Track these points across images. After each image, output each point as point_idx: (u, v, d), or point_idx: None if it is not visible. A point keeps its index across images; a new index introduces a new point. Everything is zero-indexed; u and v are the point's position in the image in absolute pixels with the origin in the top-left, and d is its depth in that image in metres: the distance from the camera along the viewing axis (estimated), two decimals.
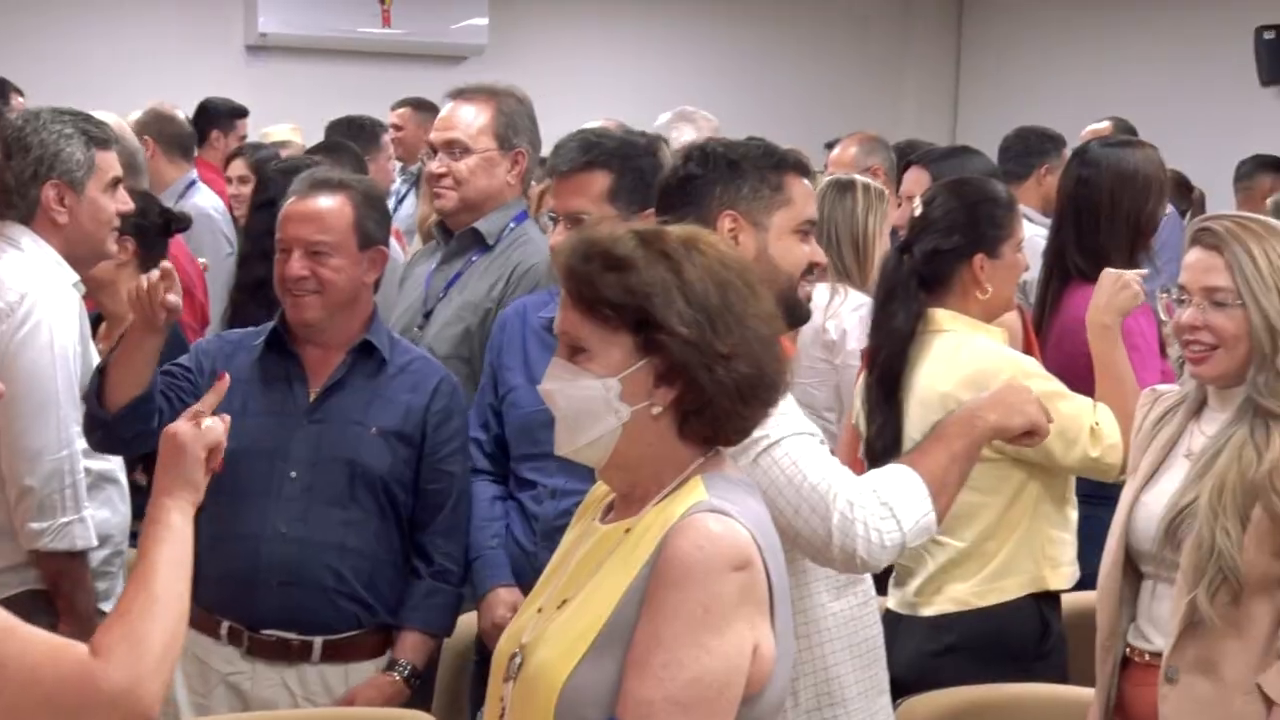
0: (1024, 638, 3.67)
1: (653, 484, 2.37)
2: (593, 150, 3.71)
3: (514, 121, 4.38)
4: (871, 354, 3.80)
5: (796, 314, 2.95)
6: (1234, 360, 3.10)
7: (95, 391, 3.43)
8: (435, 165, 4.37)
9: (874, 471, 2.84)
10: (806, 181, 3.02)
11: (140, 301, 3.30)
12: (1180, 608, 3.06)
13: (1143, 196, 4.40)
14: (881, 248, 4.97)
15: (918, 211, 3.81)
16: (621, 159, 3.70)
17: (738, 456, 2.57)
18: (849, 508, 2.71)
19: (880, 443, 3.69)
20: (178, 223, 4.68)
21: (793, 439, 2.74)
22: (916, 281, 3.73)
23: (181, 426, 2.38)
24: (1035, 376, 3.60)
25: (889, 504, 2.74)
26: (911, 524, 2.76)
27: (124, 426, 3.42)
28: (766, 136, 3.14)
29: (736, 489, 2.36)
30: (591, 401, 2.34)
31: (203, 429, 2.38)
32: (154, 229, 4.55)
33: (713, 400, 2.33)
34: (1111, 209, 4.37)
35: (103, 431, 3.47)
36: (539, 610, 2.41)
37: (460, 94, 4.44)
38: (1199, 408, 3.24)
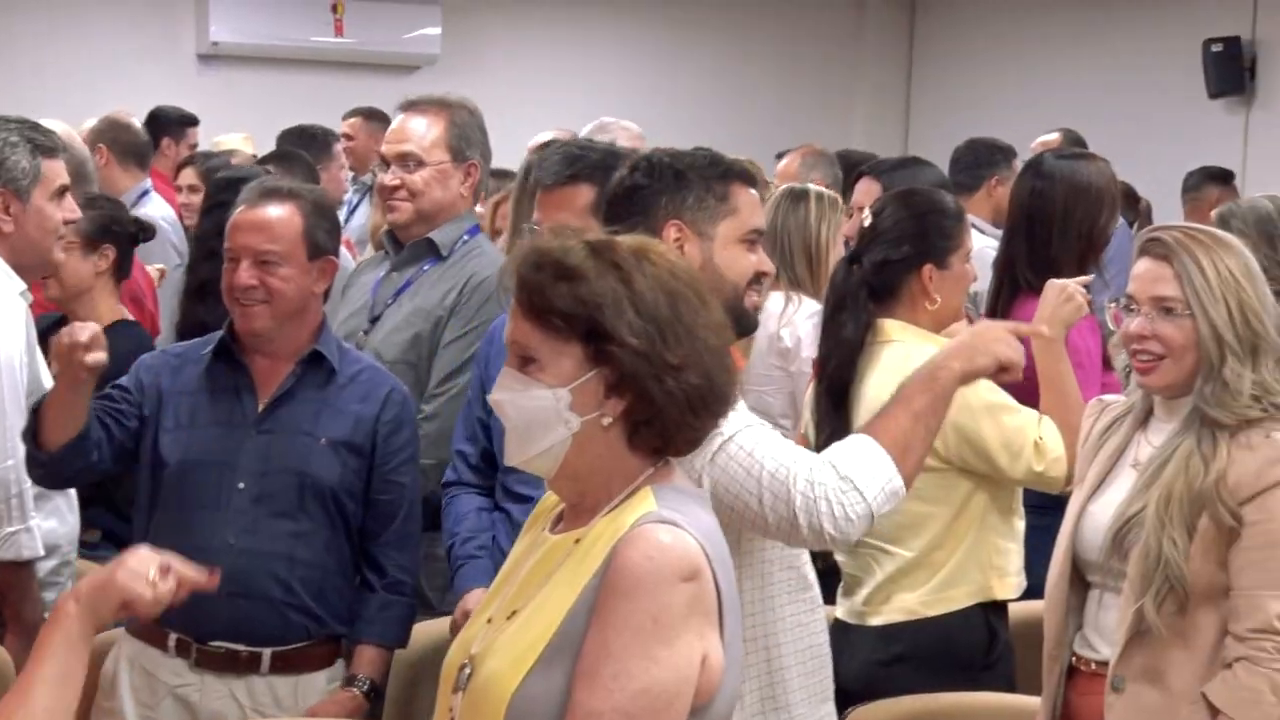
0: (972, 647, 3.68)
1: (603, 494, 2.37)
2: (577, 164, 3.71)
3: (466, 133, 4.38)
4: (820, 363, 3.81)
5: (743, 323, 2.95)
6: (1181, 370, 3.11)
7: (31, 431, 3.41)
8: (389, 178, 4.36)
9: (833, 445, 2.83)
10: (753, 191, 3.02)
11: (62, 359, 3.27)
12: (1127, 617, 3.07)
13: (1095, 209, 4.42)
14: (835, 257, 4.98)
15: (867, 222, 3.82)
16: (605, 172, 3.68)
17: (695, 458, 2.57)
18: (809, 486, 2.71)
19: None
20: (145, 233, 4.68)
21: (745, 431, 2.75)
22: (866, 292, 3.74)
23: (136, 568, 2.37)
24: (980, 386, 3.60)
25: (849, 476, 2.73)
26: (876, 491, 2.74)
27: (63, 465, 3.42)
28: (719, 148, 3.15)
29: (686, 500, 2.36)
30: (542, 412, 2.34)
31: (152, 596, 2.37)
32: (127, 238, 4.55)
33: (663, 411, 2.33)
34: (1064, 221, 4.38)
35: (43, 470, 3.48)
36: (488, 621, 2.40)
37: (412, 106, 4.43)
38: (1146, 417, 3.25)
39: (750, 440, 2.75)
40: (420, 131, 4.34)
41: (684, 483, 2.43)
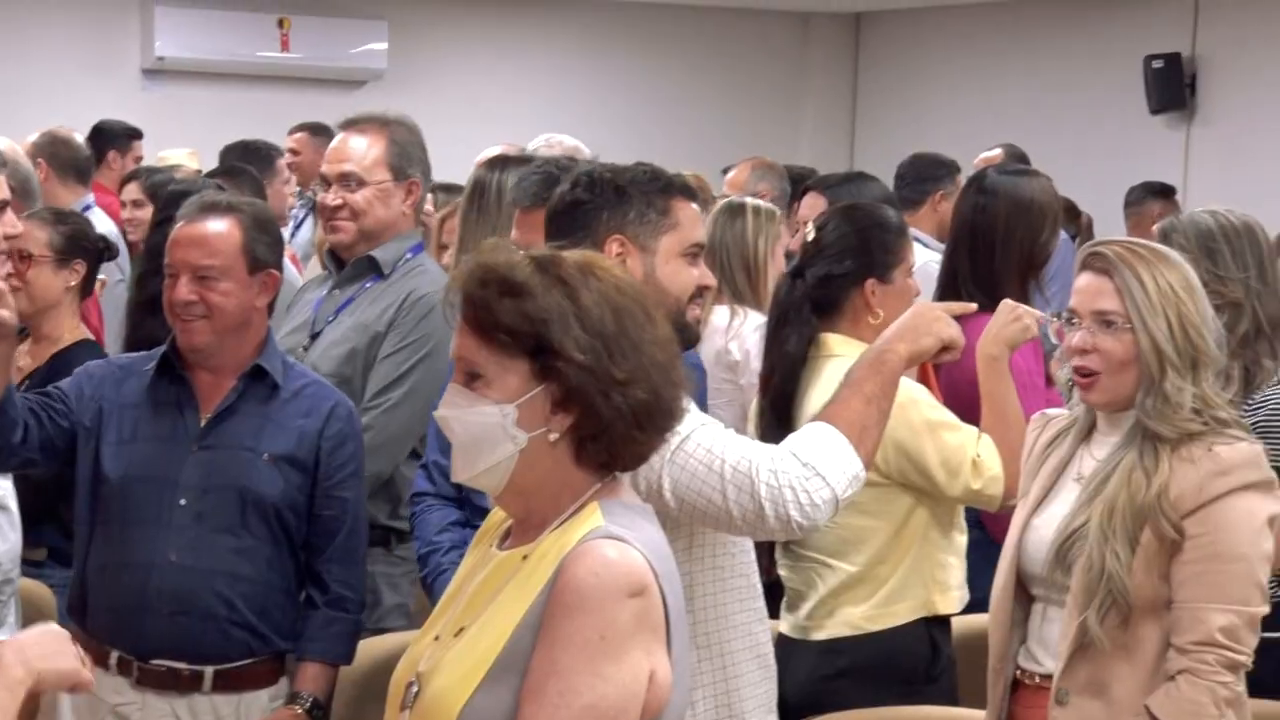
0: (915, 661, 3.68)
1: (550, 510, 2.36)
2: (555, 185, 3.68)
3: (407, 151, 4.37)
4: (764, 378, 3.81)
5: (685, 336, 2.95)
6: (1122, 384, 3.12)
7: None
8: (330, 198, 4.34)
9: (791, 435, 2.83)
10: (694, 205, 3.02)
11: None
12: (1070, 630, 3.07)
13: (1037, 226, 4.44)
14: (774, 269, 5.00)
15: (810, 236, 3.82)
16: None
17: (654, 458, 2.56)
18: (772, 476, 2.71)
19: None
20: (110, 250, 4.65)
21: (700, 429, 2.75)
22: (809, 306, 3.75)
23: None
24: (922, 404, 3.62)
25: (811, 464, 2.74)
26: (839, 476, 2.75)
27: None
28: (666, 163, 3.16)
29: (633, 515, 2.35)
30: (488, 428, 2.33)
31: (79, 676, 2.35)
32: (95, 254, 4.53)
33: (609, 426, 2.32)
34: (1006, 237, 4.39)
35: None
36: (436, 638, 2.39)
37: (351, 125, 4.41)
38: (1089, 431, 3.26)
39: (708, 436, 2.75)
40: (361, 151, 4.33)
41: (631, 498, 2.42)
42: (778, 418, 3.71)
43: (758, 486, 2.71)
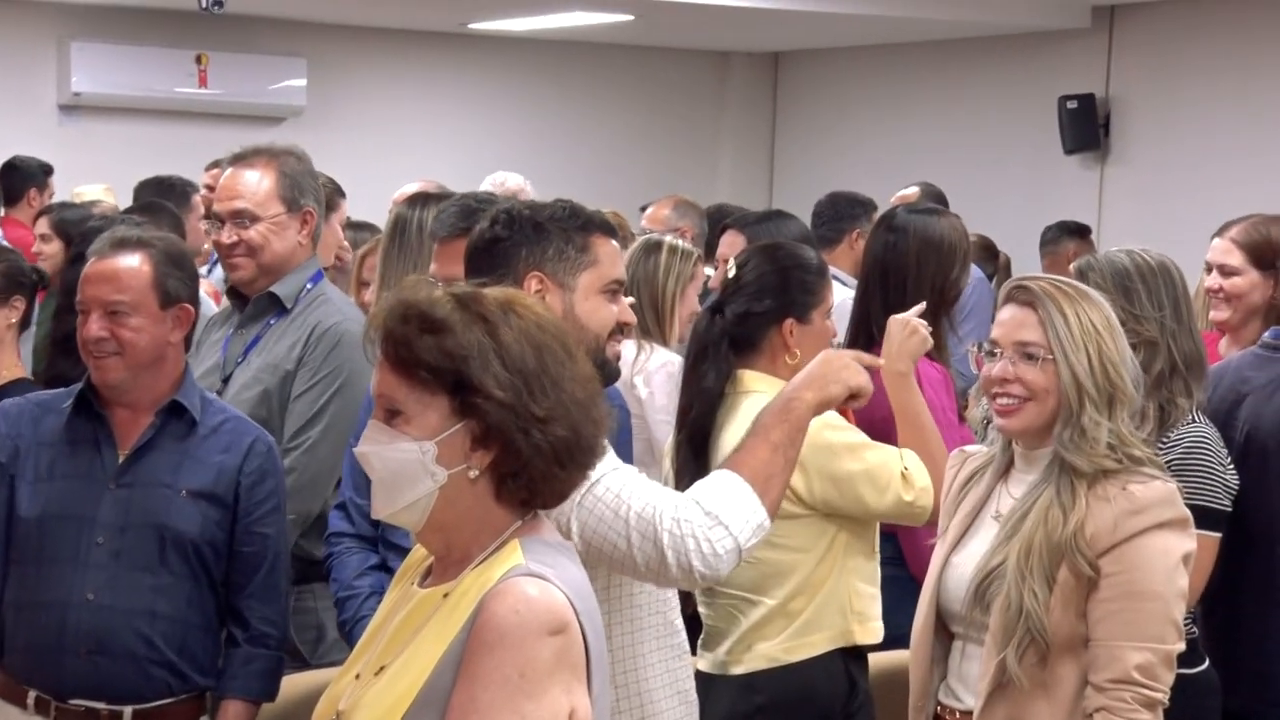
0: (832, 696, 3.69)
1: (471, 547, 2.35)
2: (472, 216, 3.66)
3: (298, 181, 4.33)
4: (683, 411, 3.82)
5: (605, 373, 2.95)
6: (1041, 414, 3.15)
7: None
8: (225, 236, 4.30)
9: (697, 484, 2.83)
10: (613, 242, 3.03)
11: None
12: (989, 669, 3.09)
13: (948, 263, 4.47)
14: (685, 308, 5.02)
15: (731, 273, 3.84)
16: None
17: (563, 504, 2.57)
18: (675, 525, 2.71)
19: None
20: (44, 280, 4.61)
21: (611, 474, 2.74)
22: (727, 343, 3.77)
23: None
24: (838, 429, 3.64)
25: (713, 513, 2.74)
26: (742, 525, 2.75)
27: None
28: (585, 200, 3.15)
29: (554, 553, 2.35)
30: (408, 465, 2.32)
31: None
32: (31, 288, 4.48)
33: (529, 463, 2.32)
34: (917, 274, 4.42)
35: None
36: (356, 676, 2.38)
37: (240, 160, 4.37)
38: (1006, 469, 3.28)
39: (617, 482, 2.75)
40: (251, 185, 4.29)
41: (552, 535, 2.42)
42: (694, 452, 3.73)
43: (660, 534, 2.71)
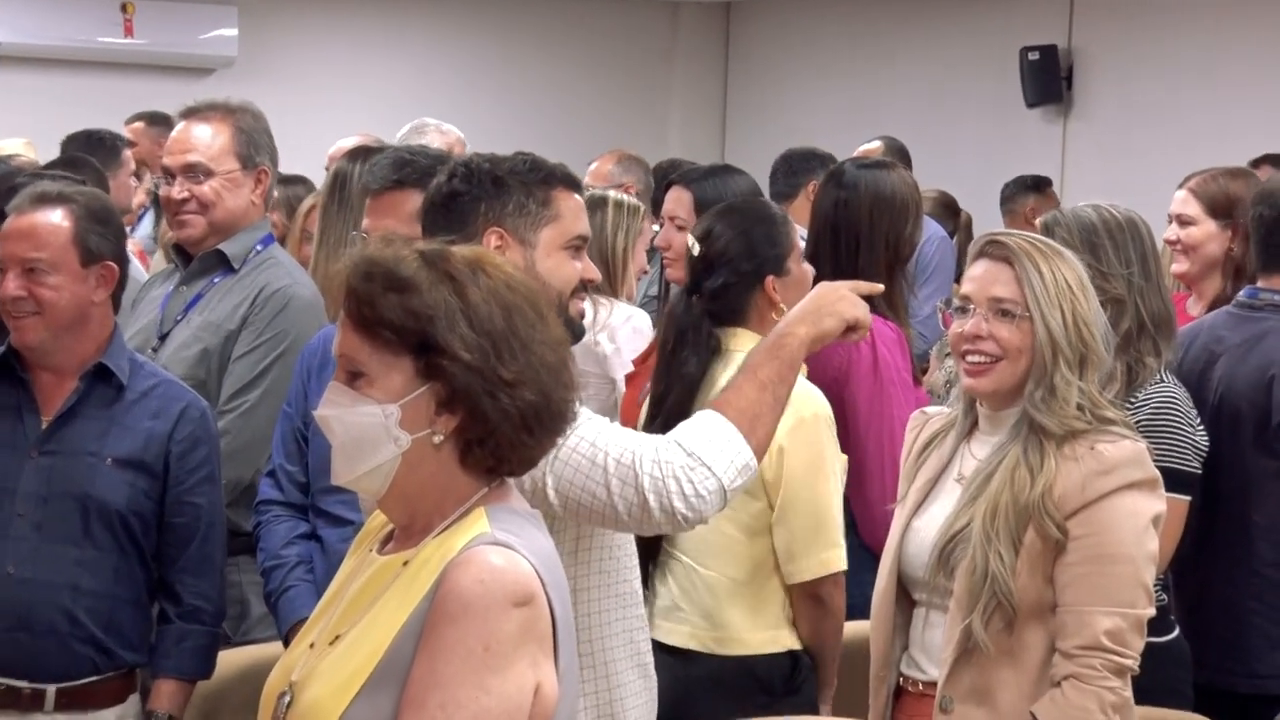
0: (774, 671, 3.69)
1: (434, 515, 2.34)
2: (405, 168, 3.66)
3: (254, 138, 4.33)
4: (657, 399, 3.80)
5: (569, 332, 2.94)
6: (1014, 373, 3.15)
7: None
8: (175, 191, 4.28)
9: (680, 425, 2.82)
10: (576, 196, 3.01)
11: None
12: (954, 635, 3.09)
13: (901, 220, 4.47)
14: (635, 264, 5.01)
15: (695, 250, 3.82)
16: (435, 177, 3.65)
17: None
18: (656, 467, 2.70)
19: None
20: None
21: (585, 424, 2.73)
22: (709, 322, 3.77)
23: None
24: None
25: (695, 453, 2.73)
26: (725, 466, 2.73)
27: None
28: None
29: (521, 521, 2.34)
30: (370, 429, 2.31)
31: None
32: None
33: (496, 429, 2.31)
34: (870, 233, 4.42)
35: None
36: (310, 646, 2.37)
37: (193, 113, 4.36)
38: (970, 430, 3.29)
39: (590, 430, 2.74)
40: (205, 139, 4.28)
41: (520, 504, 2.40)
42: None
43: (641, 479, 2.70)
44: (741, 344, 3.72)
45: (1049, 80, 10.12)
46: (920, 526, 3.25)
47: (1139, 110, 9.74)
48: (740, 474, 2.76)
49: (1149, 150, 9.42)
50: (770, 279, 3.76)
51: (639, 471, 2.71)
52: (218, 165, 4.27)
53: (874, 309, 4.35)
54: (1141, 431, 3.44)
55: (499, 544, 2.25)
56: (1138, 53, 9.85)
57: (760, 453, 2.79)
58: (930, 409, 3.48)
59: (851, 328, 2.97)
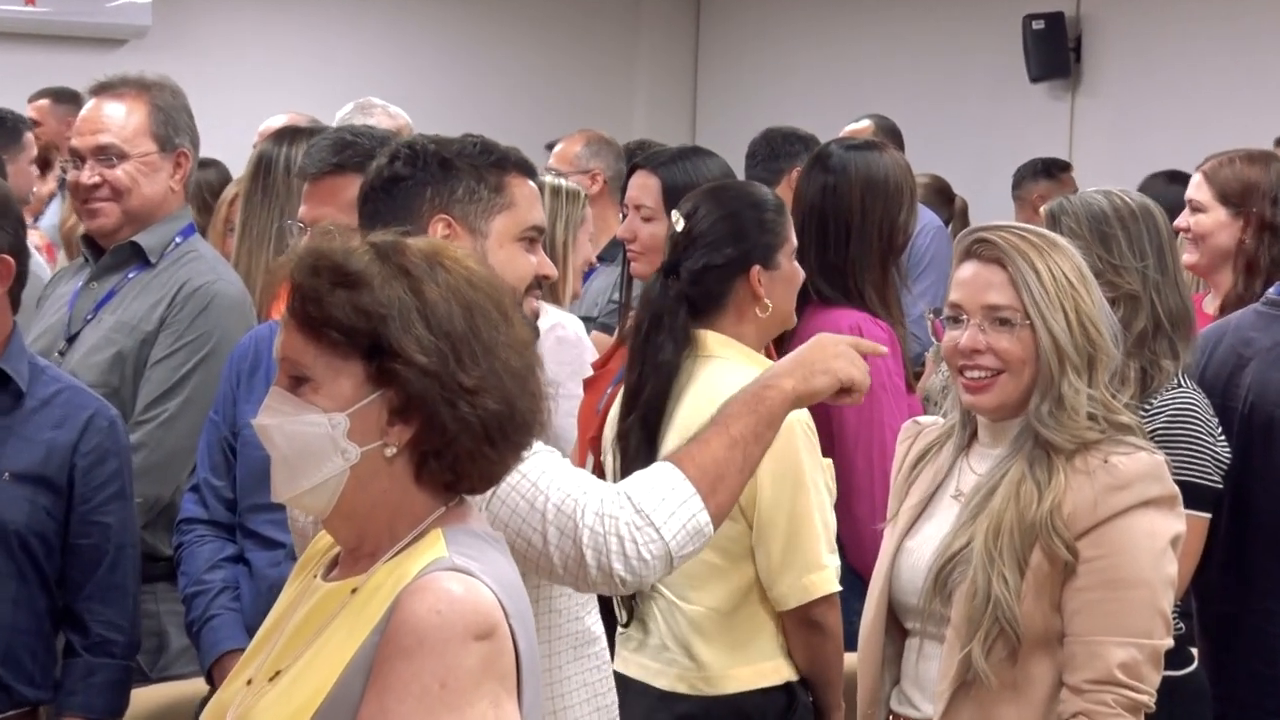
0: (766, 708, 3.70)
1: (385, 537, 2.35)
2: (347, 150, 3.67)
3: (172, 118, 4.33)
4: (632, 392, 3.80)
5: None
6: (1018, 388, 3.16)
7: None
8: (86, 175, 4.28)
9: (634, 474, 2.81)
10: (531, 183, 3.02)
11: None
12: (951, 666, 3.10)
13: (894, 206, 4.49)
14: (578, 257, 5.00)
15: (679, 226, 3.83)
16: None
17: None
18: (599, 520, 2.70)
19: None
20: None
21: (529, 460, 2.70)
22: (686, 307, 3.78)
23: None
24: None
25: (645, 511, 2.71)
26: (676, 530, 2.72)
27: None
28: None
29: (483, 545, 2.35)
30: (315, 440, 2.31)
31: None
32: None
33: (455, 440, 2.31)
34: (862, 221, 4.44)
35: None
36: (248, 683, 2.37)
37: (105, 89, 4.35)
38: (968, 442, 3.29)
39: (535, 468, 2.72)
40: (119, 119, 4.29)
41: (480, 525, 2.41)
42: (647, 436, 3.72)
43: (580, 531, 2.69)
44: (716, 348, 3.73)
45: (1055, 52, 10.15)
46: (913, 547, 3.26)
47: (1155, 85, 9.78)
48: (691, 540, 2.73)
49: (1166, 129, 9.45)
50: (756, 269, 3.77)
51: (579, 523, 2.69)
52: (132, 147, 4.27)
53: (864, 306, 4.39)
54: (1156, 441, 3.46)
55: (458, 570, 2.26)
56: (1154, 21, 9.88)
57: (719, 517, 2.77)
58: (924, 418, 3.49)
59: (846, 389, 2.91)
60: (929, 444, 3.35)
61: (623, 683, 3.64)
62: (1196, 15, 9.60)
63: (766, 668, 3.71)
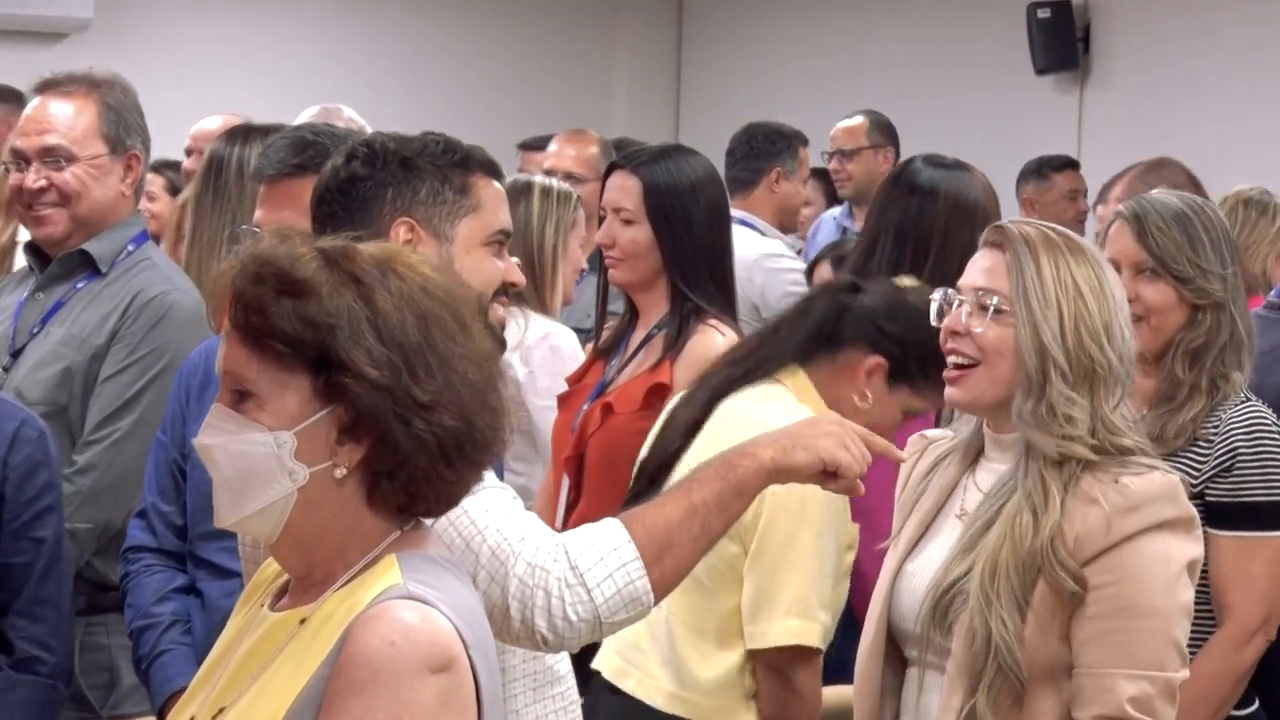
0: None
1: (336, 563, 2.36)
2: (307, 151, 3.66)
3: (124, 118, 4.33)
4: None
5: None
6: (993, 383, 3.17)
7: None
8: (31, 179, 4.27)
9: (581, 527, 2.80)
10: (497, 184, 3.02)
11: None
12: (952, 704, 3.10)
13: (979, 229, 4.48)
14: (568, 264, 5.01)
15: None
16: None
17: None
18: (529, 572, 2.69)
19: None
20: None
21: (476, 495, 2.69)
22: (834, 325, 3.81)
23: None
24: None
25: (579, 569, 2.70)
26: (610, 594, 2.70)
27: None
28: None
29: (440, 570, 2.35)
30: (259, 460, 2.32)
31: None
32: None
33: (409, 460, 2.32)
34: (943, 242, 4.41)
35: None
36: (191, 719, 2.37)
37: (51, 87, 4.35)
38: (976, 456, 3.30)
39: (479, 505, 2.72)
40: (66, 118, 4.29)
41: (438, 549, 2.41)
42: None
43: (509, 581, 2.69)
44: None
45: (1062, 42, 10.16)
46: (914, 570, 3.26)
47: (1168, 78, 9.78)
48: (626, 608, 2.71)
49: (1181, 125, 9.45)
50: (876, 361, 3.78)
51: (509, 571, 2.69)
52: (81, 149, 4.28)
53: None
54: (1234, 459, 3.52)
55: (413, 598, 2.27)
56: (1166, 9, 9.89)
57: (662, 587, 2.73)
58: (932, 432, 3.50)
59: (831, 474, 2.84)
60: (937, 458, 3.36)
61: (598, 686, 3.68)
62: (1211, 4, 9.62)
63: (730, 705, 3.70)
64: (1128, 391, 3.21)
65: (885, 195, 4.62)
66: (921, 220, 4.47)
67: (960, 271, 4.35)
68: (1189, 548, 3.12)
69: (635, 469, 3.86)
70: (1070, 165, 8.92)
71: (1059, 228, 3.27)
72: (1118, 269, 3.67)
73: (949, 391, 3.23)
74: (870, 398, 3.76)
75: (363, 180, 2.95)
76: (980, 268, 3.21)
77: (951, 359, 3.21)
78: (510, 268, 3.02)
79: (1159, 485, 3.11)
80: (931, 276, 4.32)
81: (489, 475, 2.75)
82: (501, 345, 3.02)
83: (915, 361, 3.75)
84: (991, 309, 3.16)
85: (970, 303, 3.19)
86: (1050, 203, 8.36)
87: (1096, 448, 3.11)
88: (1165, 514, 3.09)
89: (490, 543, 2.71)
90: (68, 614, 3.63)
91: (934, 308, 3.29)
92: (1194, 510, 3.15)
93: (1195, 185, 5.24)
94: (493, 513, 2.73)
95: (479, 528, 2.71)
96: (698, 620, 3.72)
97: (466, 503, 2.65)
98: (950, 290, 3.26)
